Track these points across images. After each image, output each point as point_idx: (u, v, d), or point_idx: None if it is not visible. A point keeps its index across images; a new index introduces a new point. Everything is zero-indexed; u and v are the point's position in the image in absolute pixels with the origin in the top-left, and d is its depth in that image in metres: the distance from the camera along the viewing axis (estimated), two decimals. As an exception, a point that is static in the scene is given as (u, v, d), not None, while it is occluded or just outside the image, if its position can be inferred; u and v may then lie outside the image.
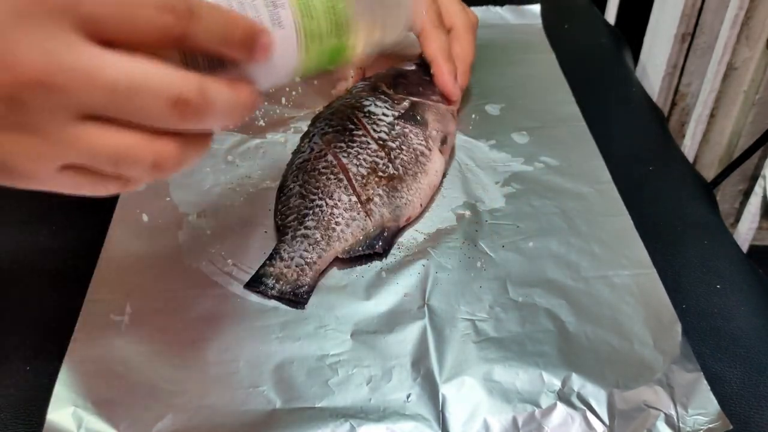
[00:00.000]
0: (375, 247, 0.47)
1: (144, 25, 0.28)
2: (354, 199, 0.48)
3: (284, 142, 0.58)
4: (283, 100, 0.62)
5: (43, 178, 0.30)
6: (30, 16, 0.26)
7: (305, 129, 0.55)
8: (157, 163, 0.30)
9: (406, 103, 0.54)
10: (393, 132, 0.52)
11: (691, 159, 1.02)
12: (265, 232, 0.50)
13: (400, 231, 0.50)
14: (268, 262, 0.46)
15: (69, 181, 0.30)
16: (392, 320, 0.44)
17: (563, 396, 0.40)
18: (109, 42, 0.27)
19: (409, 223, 0.50)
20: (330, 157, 0.50)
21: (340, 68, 0.38)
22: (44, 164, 0.29)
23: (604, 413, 0.39)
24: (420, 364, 0.41)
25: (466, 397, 0.40)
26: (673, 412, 0.39)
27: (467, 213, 0.52)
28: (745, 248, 0.95)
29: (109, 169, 0.29)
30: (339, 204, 0.48)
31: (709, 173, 1.06)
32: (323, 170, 0.49)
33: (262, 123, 0.60)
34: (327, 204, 0.48)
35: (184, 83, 0.28)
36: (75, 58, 0.27)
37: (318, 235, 0.47)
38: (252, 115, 0.32)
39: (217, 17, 0.30)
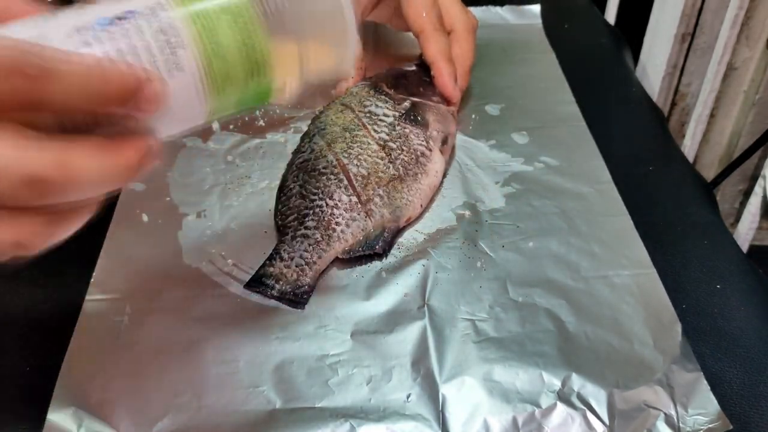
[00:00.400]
0: (375, 248, 0.47)
1: None
2: (354, 199, 0.48)
3: (284, 142, 0.58)
4: (283, 100, 0.62)
5: None
6: None
7: (305, 129, 0.55)
8: (20, 244, 0.26)
9: (407, 104, 0.54)
10: (394, 132, 0.52)
11: (691, 159, 1.02)
12: (265, 232, 0.50)
13: (400, 231, 0.50)
14: (268, 262, 0.46)
15: None
16: (392, 320, 0.44)
17: (563, 396, 0.40)
18: None
19: (409, 223, 0.50)
20: (330, 157, 0.50)
21: (275, 102, 0.34)
22: None
23: (604, 413, 0.39)
24: (420, 364, 0.41)
25: (466, 397, 0.40)
26: (673, 412, 0.39)
27: (467, 213, 0.52)
28: (745, 248, 0.95)
29: None
30: (339, 204, 0.48)
31: (709, 173, 1.06)
32: (323, 170, 0.49)
33: (262, 123, 0.60)
34: (327, 204, 0.48)
35: (39, 159, 0.25)
36: None
37: (318, 236, 0.47)
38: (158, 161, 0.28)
39: (81, 73, 0.25)
